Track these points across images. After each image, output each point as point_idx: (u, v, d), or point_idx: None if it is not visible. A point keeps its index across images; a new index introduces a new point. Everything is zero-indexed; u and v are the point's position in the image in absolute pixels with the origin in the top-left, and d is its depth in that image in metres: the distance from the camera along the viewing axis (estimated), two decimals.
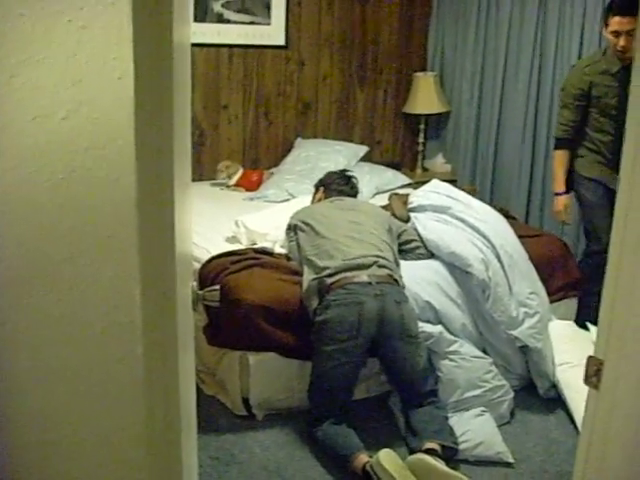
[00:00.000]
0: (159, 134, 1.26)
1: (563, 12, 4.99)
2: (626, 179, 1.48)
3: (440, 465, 2.99)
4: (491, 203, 5.17)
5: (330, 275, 3.39)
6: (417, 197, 4.17)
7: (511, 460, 3.29)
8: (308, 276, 3.47)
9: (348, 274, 3.38)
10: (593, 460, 1.67)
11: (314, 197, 4.20)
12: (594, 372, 1.61)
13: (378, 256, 3.49)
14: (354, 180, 4.20)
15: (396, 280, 3.48)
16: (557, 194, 4.41)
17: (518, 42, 5.35)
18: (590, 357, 1.62)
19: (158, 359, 1.36)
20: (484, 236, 3.86)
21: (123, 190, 1.17)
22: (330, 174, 4.24)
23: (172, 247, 1.32)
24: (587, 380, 1.63)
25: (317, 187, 4.21)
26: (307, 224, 3.67)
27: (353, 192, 4.16)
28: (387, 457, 2.98)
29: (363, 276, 3.37)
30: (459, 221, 3.93)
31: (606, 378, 1.58)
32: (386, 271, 3.45)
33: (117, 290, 1.21)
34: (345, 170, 4.30)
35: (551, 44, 5.11)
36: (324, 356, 3.29)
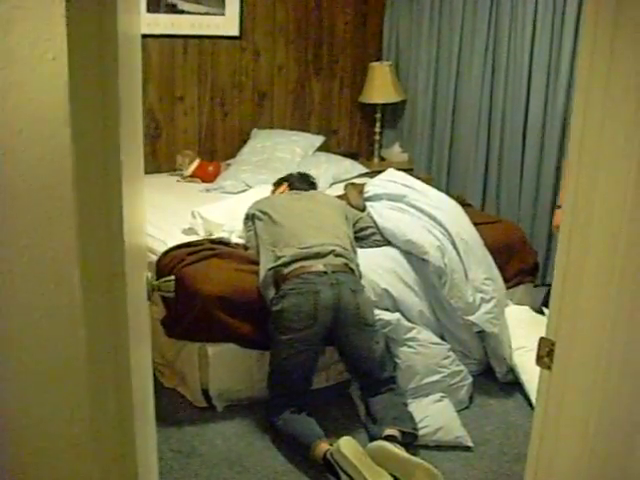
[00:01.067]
0: (101, 118, 1.24)
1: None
2: (574, 162, 1.50)
3: (400, 451, 3.02)
4: (447, 191, 5.23)
5: (286, 264, 3.40)
6: (373, 186, 4.19)
7: (470, 444, 3.33)
8: (265, 265, 3.47)
9: (304, 263, 3.39)
10: (547, 439, 1.69)
11: (275, 191, 4.21)
12: (546, 353, 1.63)
13: (335, 244, 3.50)
14: (315, 182, 4.28)
15: (352, 269, 3.50)
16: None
17: (472, 30, 5.38)
18: (542, 338, 1.64)
19: (106, 346, 1.35)
20: (440, 223, 3.89)
21: (58, 172, 1.15)
22: (291, 175, 4.29)
23: (119, 233, 1.31)
24: (539, 361, 1.65)
25: (280, 182, 4.23)
26: (265, 213, 3.67)
27: (305, 188, 4.20)
28: (347, 444, 2.99)
29: (319, 265, 3.39)
30: (415, 209, 3.95)
31: (557, 359, 1.61)
32: (342, 260, 3.47)
33: (56, 272, 1.20)
34: (305, 173, 4.35)
35: (504, 31, 5.14)
36: (281, 345, 3.30)
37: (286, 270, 3.39)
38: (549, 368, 1.63)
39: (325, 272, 3.37)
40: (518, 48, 5.06)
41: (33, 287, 1.22)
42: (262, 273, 3.46)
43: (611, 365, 1.50)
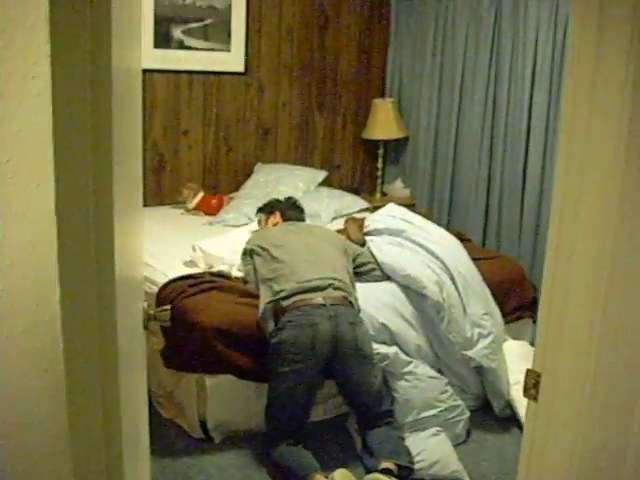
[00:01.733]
0: (91, 153, 1.29)
1: (516, 37, 5.10)
2: (559, 192, 1.54)
3: None
4: (448, 227, 5.28)
5: (285, 298, 3.42)
6: (372, 221, 4.23)
7: (467, 479, 3.33)
8: (264, 299, 3.50)
9: (303, 296, 3.42)
10: (533, 471, 1.71)
11: (266, 221, 4.24)
12: (532, 384, 1.66)
13: (334, 278, 3.53)
14: (302, 207, 4.33)
15: (351, 302, 3.53)
16: None
17: (474, 67, 5.45)
18: (528, 370, 1.67)
19: (92, 368, 1.37)
20: (438, 258, 3.92)
21: (43, 202, 1.20)
22: (278, 201, 4.34)
23: (109, 264, 1.34)
24: (526, 393, 1.68)
25: (270, 211, 4.26)
26: (263, 249, 3.71)
27: (303, 217, 4.27)
28: (342, 476, 3.00)
29: (318, 298, 3.42)
30: (414, 244, 3.99)
31: (543, 390, 1.63)
32: (341, 293, 3.50)
33: (37, 292, 1.24)
34: (290, 197, 4.40)
35: (505, 69, 5.22)
36: (280, 377, 3.32)
37: (285, 303, 3.41)
38: (535, 399, 1.66)
39: (324, 304, 3.39)
40: (519, 87, 5.12)
41: (16, 303, 1.26)
42: (261, 307, 3.48)
43: (595, 396, 1.52)
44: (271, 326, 3.43)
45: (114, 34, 1.29)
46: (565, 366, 1.57)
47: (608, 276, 1.45)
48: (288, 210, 4.19)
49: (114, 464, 1.49)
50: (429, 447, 3.40)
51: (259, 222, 4.31)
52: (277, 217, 4.17)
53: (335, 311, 3.39)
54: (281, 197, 4.44)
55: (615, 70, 1.37)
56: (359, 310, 3.57)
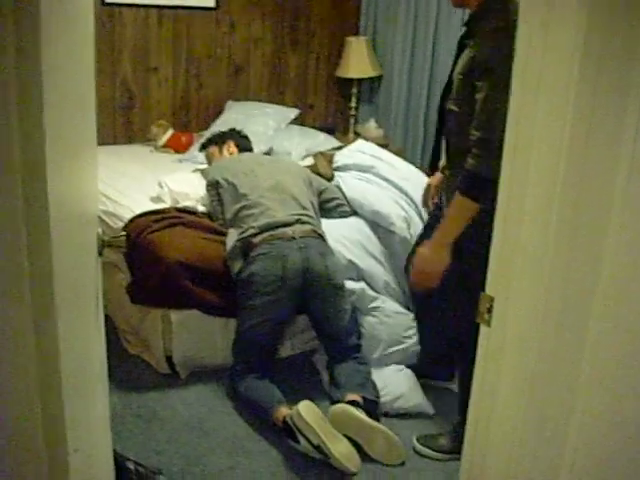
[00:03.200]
0: (16, 91, 1.25)
1: None
2: (511, 124, 1.52)
3: (362, 416, 3.04)
4: (422, 166, 5.24)
5: (254, 235, 3.40)
6: (342, 156, 4.20)
7: (431, 411, 3.36)
8: (232, 237, 3.48)
9: (272, 232, 3.41)
10: (487, 397, 1.71)
11: (220, 152, 4.23)
12: (486, 309, 1.65)
13: (301, 214, 3.51)
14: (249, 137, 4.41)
15: (320, 235, 3.53)
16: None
17: (448, 6, 5.37)
18: (482, 294, 1.66)
19: (22, 308, 1.36)
20: (407, 194, 3.91)
21: None
22: (225, 132, 4.38)
23: (42, 201, 1.32)
24: (480, 317, 1.67)
25: (222, 141, 4.26)
26: (229, 182, 3.67)
27: (252, 147, 4.32)
28: (306, 408, 3.01)
29: (287, 231, 3.42)
30: (383, 180, 3.96)
31: (497, 314, 1.63)
32: (309, 227, 3.50)
33: None
34: (235, 128, 4.46)
35: None
36: (249, 311, 3.31)
37: (254, 240, 3.40)
38: (488, 324, 1.65)
39: (293, 237, 3.39)
40: None
41: None
42: (229, 244, 3.46)
43: (547, 318, 1.51)
44: (239, 264, 3.41)
45: None
46: (518, 288, 1.56)
47: (560, 197, 1.43)
48: (240, 139, 4.18)
49: (53, 402, 1.47)
50: (394, 381, 3.42)
51: (211, 156, 4.28)
52: (232, 146, 4.19)
53: (304, 243, 3.39)
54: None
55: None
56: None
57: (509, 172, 1.54)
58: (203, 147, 4.32)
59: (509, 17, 2.43)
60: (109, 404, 2.34)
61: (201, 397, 3.42)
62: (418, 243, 3.17)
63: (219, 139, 4.23)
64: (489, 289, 1.64)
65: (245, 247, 3.42)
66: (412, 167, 4.25)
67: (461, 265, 2.69)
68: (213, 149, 4.25)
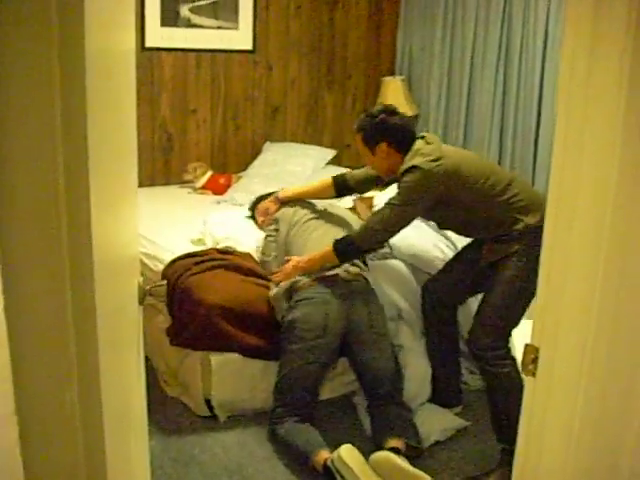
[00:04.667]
0: (62, 137, 1.28)
1: (527, 13, 5.04)
2: (558, 164, 1.50)
3: (405, 464, 2.99)
4: None
5: (298, 279, 3.44)
6: (381, 200, 4.18)
7: (467, 423, 3.53)
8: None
9: (316, 274, 3.43)
10: (533, 446, 1.68)
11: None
12: (531, 360, 1.63)
13: None
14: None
15: (365, 278, 3.52)
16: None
17: (484, 43, 5.39)
18: (527, 345, 1.64)
19: (65, 354, 1.37)
20: (446, 236, 3.89)
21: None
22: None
23: (87, 247, 1.33)
24: (525, 368, 1.65)
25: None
26: (291, 225, 3.70)
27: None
28: (348, 452, 2.98)
29: (333, 271, 3.43)
30: (422, 221, 3.95)
31: (542, 365, 1.60)
32: (355, 269, 3.50)
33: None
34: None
35: (516, 45, 5.16)
36: (290, 355, 3.30)
37: (298, 283, 3.41)
38: (533, 375, 1.63)
39: (338, 280, 3.41)
40: (529, 61, 5.06)
41: None
42: (275, 287, 3.48)
43: (594, 370, 1.49)
44: (284, 306, 3.42)
45: (89, 15, 1.25)
46: (563, 340, 1.54)
47: (607, 249, 1.41)
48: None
49: (94, 446, 1.47)
50: (426, 420, 3.42)
51: (264, 211, 4.00)
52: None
53: (348, 288, 3.40)
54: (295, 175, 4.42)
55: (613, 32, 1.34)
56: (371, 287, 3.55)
57: (553, 224, 1.53)
58: (256, 202, 4.17)
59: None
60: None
61: (240, 441, 3.40)
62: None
63: (268, 195, 4.12)
64: (534, 340, 1.62)
65: (289, 290, 3.42)
66: None
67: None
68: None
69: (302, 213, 3.78)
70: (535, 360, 1.62)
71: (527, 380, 1.66)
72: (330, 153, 5.63)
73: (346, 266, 3.47)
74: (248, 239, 3.96)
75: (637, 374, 1.45)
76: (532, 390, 1.65)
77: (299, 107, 5.92)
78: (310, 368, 3.30)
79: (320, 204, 3.88)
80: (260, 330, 3.47)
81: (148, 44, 5.23)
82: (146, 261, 3.84)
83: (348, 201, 4.73)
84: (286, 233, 3.67)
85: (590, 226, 1.44)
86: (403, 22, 6.10)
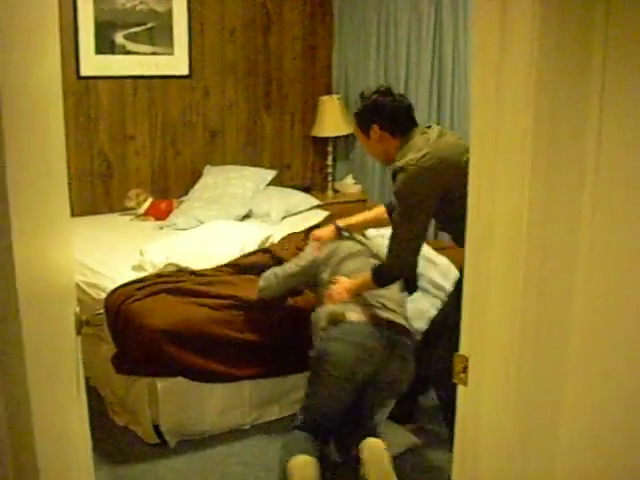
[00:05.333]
0: None
1: (457, 29, 5.15)
2: (474, 180, 1.56)
3: (389, 464, 3.04)
4: None
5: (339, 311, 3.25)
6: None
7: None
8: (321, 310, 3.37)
9: (365, 309, 3.27)
10: (469, 453, 1.73)
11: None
12: (462, 369, 1.68)
13: (399, 304, 3.44)
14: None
15: (409, 331, 3.36)
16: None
17: (417, 61, 5.49)
18: (456, 355, 1.69)
19: None
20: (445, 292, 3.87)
21: None
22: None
23: (9, 279, 1.34)
24: (456, 377, 1.70)
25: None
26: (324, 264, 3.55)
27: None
28: (300, 465, 2.99)
29: (382, 313, 3.27)
30: (427, 283, 3.96)
31: (472, 374, 1.65)
32: (403, 321, 3.35)
33: None
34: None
35: (448, 60, 5.26)
36: (317, 379, 3.22)
37: (348, 315, 3.22)
38: (465, 383, 1.68)
39: (382, 325, 3.22)
40: (462, 78, 5.17)
41: None
42: (314, 315, 3.41)
43: (521, 376, 1.54)
44: (322, 326, 3.25)
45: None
46: (490, 349, 1.59)
47: (525, 259, 1.47)
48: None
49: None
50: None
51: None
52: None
53: (391, 339, 3.21)
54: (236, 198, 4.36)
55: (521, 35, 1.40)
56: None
57: (474, 241, 1.59)
58: (311, 229, 4.09)
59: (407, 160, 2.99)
60: (97, 478, 2.33)
61: (191, 466, 3.40)
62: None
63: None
64: (463, 349, 1.67)
65: (334, 316, 3.23)
66: (444, 258, 4.20)
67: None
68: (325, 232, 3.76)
69: (348, 244, 3.62)
70: (465, 369, 1.67)
71: (459, 389, 1.71)
72: (270, 174, 5.67)
73: (394, 314, 3.30)
74: (188, 259, 3.97)
75: (563, 379, 1.51)
76: (464, 398, 1.70)
77: (237, 130, 5.96)
78: (328, 405, 3.24)
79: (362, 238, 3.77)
80: (204, 351, 3.48)
81: (83, 73, 5.23)
82: (88, 290, 3.83)
83: (288, 223, 4.77)
84: (328, 257, 3.53)
85: (508, 239, 1.50)
86: (337, 42, 6.19)
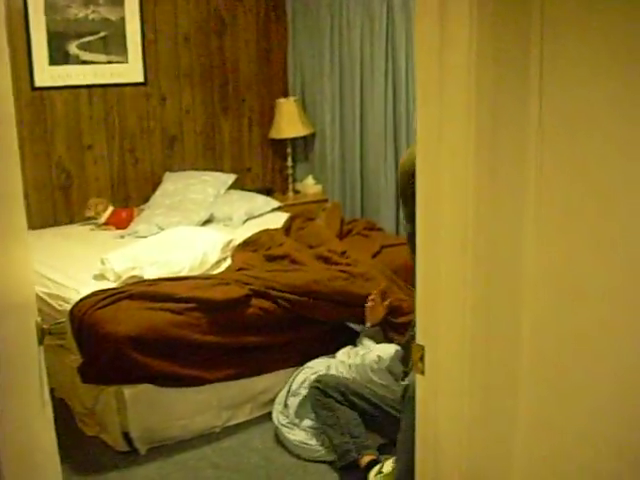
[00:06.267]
0: None
1: (409, 28, 5.20)
2: (422, 180, 1.60)
3: None
4: (362, 218, 5.37)
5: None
6: None
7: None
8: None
9: None
10: (429, 443, 1.77)
11: None
12: (419, 358, 1.71)
13: None
14: None
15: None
16: None
17: (371, 60, 5.53)
18: (413, 345, 1.72)
19: None
20: None
21: None
22: None
23: None
24: (415, 367, 1.74)
25: None
26: None
27: None
28: None
29: None
30: None
31: (428, 363, 1.69)
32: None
33: None
34: None
35: (401, 59, 5.32)
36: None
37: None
38: (422, 372, 1.71)
39: None
40: (415, 76, 5.22)
41: None
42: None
43: (475, 362, 1.58)
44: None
45: None
46: (444, 338, 1.63)
47: (473, 251, 1.51)
48: None
49: None
50: None
51: None
52: None
53: None
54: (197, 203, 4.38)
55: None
56: None
57: (423, 232, 1.62)
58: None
59: None
60: None
61: (162, 472, 3.41)
62: None
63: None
64: (419, 339, 1.71)
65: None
66: None
67: None
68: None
69: None
70: (422, 358, 1.70)
71: (417, 378, 1.75)
72: (230, 177, 5.68)
73: None
74: (150, 269, 3.97)
75: (516, 363, 1.55)
76: (423, 387, 1.74)
77: (196, 135, 5.96)
78: None
79: None
80: (172, 356, 3.49)
81: (38, 84, 5.20)
82: (50, 301, 3.81)
83: (249, 226, 4.78)
84: None
85: (456, 233, 1.54)
86: (292, 45, 6.22)
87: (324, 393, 3.41)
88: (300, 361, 3.82)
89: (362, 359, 3.56)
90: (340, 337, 3.90)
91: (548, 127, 1.39)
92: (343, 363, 3.63)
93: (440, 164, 1.54)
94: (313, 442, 3.48)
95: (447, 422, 1.70)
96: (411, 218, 2.61)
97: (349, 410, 3.37)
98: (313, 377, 3.58)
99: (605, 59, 1.27)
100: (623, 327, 1.35)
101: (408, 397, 3.07)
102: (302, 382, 3.64)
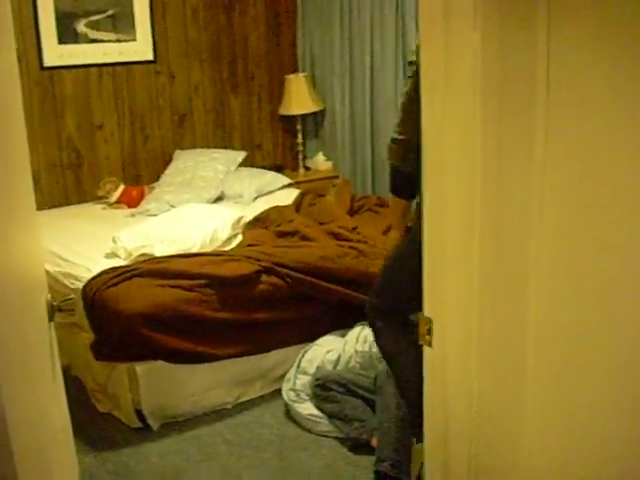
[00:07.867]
0: None
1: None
2: (428, 154, 1.59)
3: None
4: (373, 194, 5.36)
5: None
6: None
7: None
8: None
9: None
10: (438, 413, 1.77)
11: None
12: (426, 331, 1.72)
13: None
14: None
15: None
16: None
17: (381, 34, 5.49)
18: (421, 317, 1.72)
19: None
20: None
21: None
22: None
23: None
24: (422, 339, 1.74)
25: None
26: None
27: None
28: None
29: None
30: None
31: (436, 335, 1.69)
32: None
33: None
34: None
35: (412, 30, 5.27)
36: None
37: None
38: (430, 344, 1.72)
39: None
40: None
41: None
42: None
43: (482, 334, 1.58)
44: None
45: None
46: (451, 310, 1.63)
47: (480, 224, 1.51)
48: None
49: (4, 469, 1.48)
50: None
51: None
52: None
53: None
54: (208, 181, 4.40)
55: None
56: None
57: (430, 202, 1.62)
58: None
59: None
60: (84, 465, 2.35)
61: (175, 447, 3.43)
62: None
63: None
64: (426, 311, 1.71)
65: None
66: None
67: None
68: None
69: None
70: (430, 331, 1.70)
71: (425, 350, 1.75)
72: (241, 155, 5.68)
73: None
74: (161, 246, 3.98)
75: (523, 334, 1.55)
76: (431, 359, 1.74)
77: (205, 112, 5.95)
78: None
79: None
80: (184, 332, 3.50)
81: (47, 63, 5.20)
82: (62, 280, 3.83)
83: (265, 201, 4.78)
84: None
85: (463, 196, 1.53)
86: (301, 21, 6.18)
87: (326, 388, 3.46)
88: (309, 338, 3.84)
89: (370, 346, 3.62)
90: (349, 314, 3.90)
91: (554, 112, 1.38)
92: (351, 347, 3.67)
93: (447, 146, 1.53)
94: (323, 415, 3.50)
95: (456, 392, 1.70)
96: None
97: (353, 399, 3.42)
98: (323, 356, 3.62)
99: (614, 50, 1.26)
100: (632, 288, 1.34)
101: (378, 386, 3.31)
102: (311, 360, 3.66)
